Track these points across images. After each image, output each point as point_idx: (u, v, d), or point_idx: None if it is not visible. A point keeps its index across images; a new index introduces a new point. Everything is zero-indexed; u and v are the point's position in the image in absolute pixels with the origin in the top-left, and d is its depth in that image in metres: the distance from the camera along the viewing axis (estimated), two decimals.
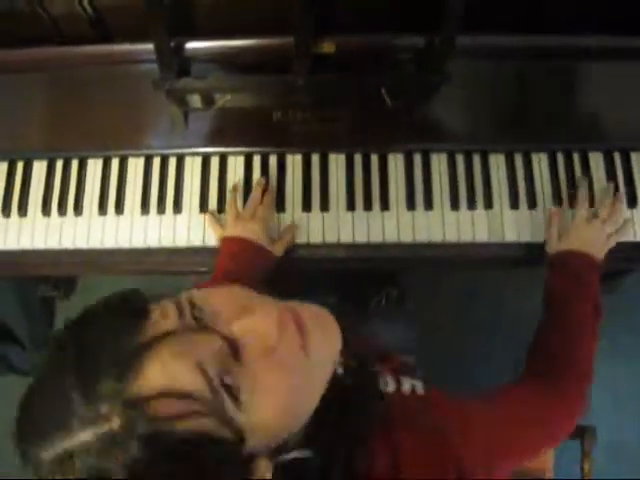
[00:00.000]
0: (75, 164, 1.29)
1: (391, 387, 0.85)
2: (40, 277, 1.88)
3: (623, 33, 1.13)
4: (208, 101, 1.13)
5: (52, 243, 1.25)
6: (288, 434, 0.62)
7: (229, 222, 1.21)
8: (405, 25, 1.06)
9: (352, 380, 0.78)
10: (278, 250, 1.20)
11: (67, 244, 1.25)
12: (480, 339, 2.07)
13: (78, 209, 1.26)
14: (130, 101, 1.23)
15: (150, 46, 1.09)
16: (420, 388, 0.86)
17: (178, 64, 1.08)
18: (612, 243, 1.19)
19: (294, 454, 0.63)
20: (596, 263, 1.15)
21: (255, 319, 0.59)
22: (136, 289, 0.60)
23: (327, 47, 1.07)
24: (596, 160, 1.27)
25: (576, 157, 1.27)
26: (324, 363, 0.65)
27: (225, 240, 1.19)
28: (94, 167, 1.29)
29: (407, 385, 0.87)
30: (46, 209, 1.27)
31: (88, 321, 0.57)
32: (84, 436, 0.50)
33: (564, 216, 1.22)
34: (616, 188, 1.25)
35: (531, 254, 1.24)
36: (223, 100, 1.09)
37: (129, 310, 0.56)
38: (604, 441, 1.47)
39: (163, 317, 0.56)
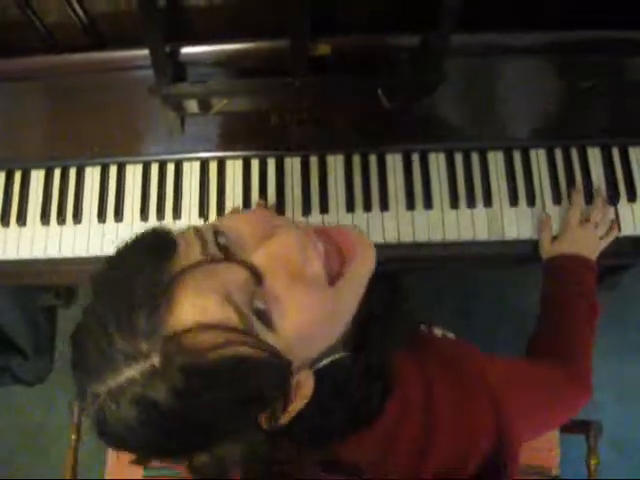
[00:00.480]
0: (73, 172, 1.29)
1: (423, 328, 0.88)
2: (41, 286, 1.88)
3: (622, 27, 1.13)
4: (205, 106, 1.12)
5: (52, 252, 1.25)
6: (327, 345, 0.65)
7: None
8: (400, 25, 1.06)
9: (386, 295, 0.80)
10: None
11: (67, 252, 1.25)
12: (481, 338, 2.07)
13: (77, 217, 1.26)
14: (126, 108, 1.23)
15: (145, 52, 1.08)
16: (452, 335, 0.89)
17: (173, 69, 1.08)
18: (603, 245, 1.21)
19: (330, 358, 0.65)
20: (591, 264, 1.17)
21: (276, 246, 0.60)
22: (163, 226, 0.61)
23: (322, 49, 1.06)
24: (594, 156, 1.27)
25: (574, 153, 1.27)
26: (360, 281, 0.68)
27: None
28: (92, 175, 1.29)
29: (439, 331, 0.89)
30: (45, 218, 1.26)
31: (120, 259, 0.58)
32: (129, 372, 0.52)
33: (556, 219, 1.23)
34: (614, 185, 1.25)
35: (531, 251, 1.24)
36: (220, 105, 1.08)
37: (157, 245, 0.57)
38: (610, 437, 1.47)
39: (187, 248, 0.57)
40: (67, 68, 1.19)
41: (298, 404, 0.62)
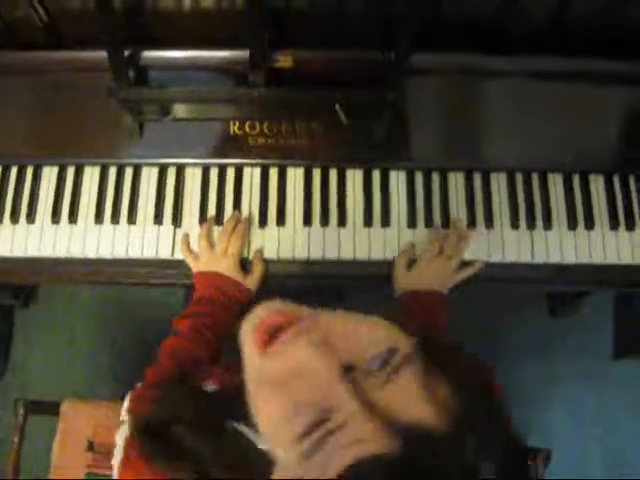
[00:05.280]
0: (30, 171, 1.27)
1: None
2: None
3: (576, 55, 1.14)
4: (164, 111, 1.11)
5: (3, 251, 1.23)
6: None
7: (202, 255, 1.20)
8: (364, 42, 1.06)
9: None
10: (252, 284, 1.19)
11: (18, 252, 1.23)
12: None
13: (31, 216, 1.24)
14: (85, 109, 1.22)
15: (97, 54, 1.09)
16: None
17: (134, 73, 1.07)
18: (459, 278, 1.21)
19: None
20: (440, 297, 1.18)
21: None
22: None
23: (284, 61, 1.06)
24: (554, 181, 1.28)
25: (535, 177, 1.28)
26: None
27: (199, 276, 1.19)
28: (49, 175, 1.27)
29: None
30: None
31: None
32: None
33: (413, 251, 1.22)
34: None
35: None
36: (179, 110, 1.07)
37: None
38: (559, 465, 1.45)
39: None
40: (26, 66, 1.18)
41: None
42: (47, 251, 1.23)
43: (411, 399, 0.52)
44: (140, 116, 1.16)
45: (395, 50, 1.01)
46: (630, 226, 1.25)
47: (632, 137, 1.26)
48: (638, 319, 1.96)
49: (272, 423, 0.55)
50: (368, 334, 0.58)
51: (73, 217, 1.24)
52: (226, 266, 1.18)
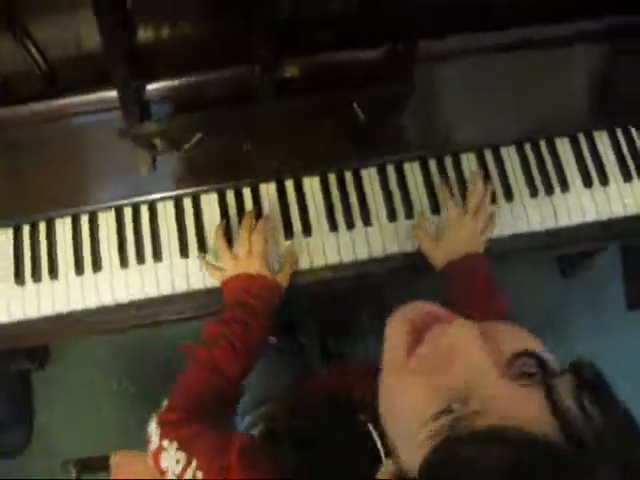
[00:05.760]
0: (43, 227, 1.24)
1: None
2: (9, 351, 1.80)
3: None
4: (177, 141, 1.10)
5: (31, 312, 1.19)
6: None
7: (226, 265, 1.15)
8: (367, 38, 1.06)
9: None
10: (282, 281, 1.15)
11: (46, 310, 1.20)
12: None
13: (53, 272, 1.21)
14: (92, 153, 1.20)
15: (105, 94, 1.08)
16: None
17: (140, 108, 1.05)
18: (489, 234, 1.20)
19: None
20: (478, 258, 1.16)
21: None
22: None
23: (291, 70, 1.05)
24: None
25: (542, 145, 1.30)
26: None
27: (227, 283, 1.13)
28: (63, 227, 1.24)
29: None
30: (19, 279, 1.21)
31: None
32: None
33: (430, 224, 1.23)
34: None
35: None
36: (196, 138, 1.06)
37: None
38: None
39: None
40: (25, 119, 1.14)
41: None
42: (76, 304, 1.20)
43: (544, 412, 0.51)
44: (152, 151, 1.13)
45: (401, 41, 1.01)
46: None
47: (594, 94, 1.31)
48: None
49: (412, 408, 0.57)
50: (528, 338, 0.60)
51: (97, 265, 1.21)
52: (252, 266, 1.12)
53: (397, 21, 1.02)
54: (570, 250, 1.43)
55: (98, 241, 1.23)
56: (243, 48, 1.02)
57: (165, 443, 0.85)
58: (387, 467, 0.60)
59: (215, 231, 1.19)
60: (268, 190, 1.25)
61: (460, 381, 0.55)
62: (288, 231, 1.22)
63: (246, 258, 1.13)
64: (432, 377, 0.57)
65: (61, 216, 1.24)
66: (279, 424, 0.83)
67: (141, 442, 1.84)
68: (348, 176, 1.25)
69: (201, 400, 0.95)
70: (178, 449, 0.83)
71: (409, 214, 1.24)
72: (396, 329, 0.63)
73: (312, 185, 1.25)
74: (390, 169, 1.26)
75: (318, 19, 1.04)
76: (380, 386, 0.64)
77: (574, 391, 0.52)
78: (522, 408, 0.51)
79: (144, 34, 1.02)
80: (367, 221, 1.23)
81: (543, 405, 0.51)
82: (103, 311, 1.21)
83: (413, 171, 1.26)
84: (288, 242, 1.22)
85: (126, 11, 0.91)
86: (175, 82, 1.08)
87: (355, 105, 1.05)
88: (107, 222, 1.24)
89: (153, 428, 0.90)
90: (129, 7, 0.90)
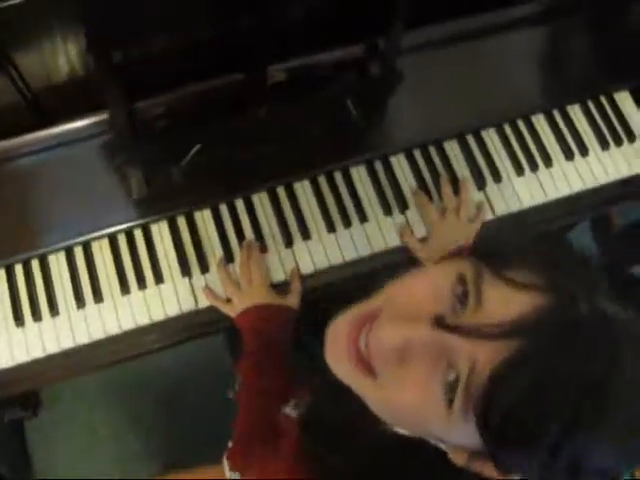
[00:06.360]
0: (36, 264, 1.21)
1: None
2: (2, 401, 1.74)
3: None
4: (172, 158, 1.08)
5: (36, 352, 1.16)
6: None
7: (233, 297, 1.17)
8: (347, 35, 1.07)
9: None
10: (293, 302, 1.17)
11: (52, 348, 1.16)
12: None
13: (54, 309, 1.18)
14: (80, 181, 1.17)
15: (94, 119, 1.06)
16: None
17: (133, 127, 1.04)
18: (478, 223, 1.23)
19: None
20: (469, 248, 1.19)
21: None
22: None
23: (278, 75, 1.05)
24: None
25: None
26: None
27: (240, 318, 1.15)
28: (57, 262, 1.21)
29: None
30: (19, 319, 1.17)
31: None
32: None
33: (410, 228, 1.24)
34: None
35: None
36: (193, 150, 1.04)
37: None
38: None
39: None
40: (11, 152, 1.11)
41: None
42: (82, 338, 1.17)
43: (505, 303, 0.54)
44: (147, 171, 1.11)
45: (385, 33, 1.02)
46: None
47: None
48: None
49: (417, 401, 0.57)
50: (430, 281, 0.61)
51: (98, 297, 1.19)
52: (258, 295, 1.15)
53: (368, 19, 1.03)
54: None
55: (96, 270, 1.20)
56: (228, 58, 1.02)
57: (232, 474, 0.93)
58: (456, 459, 0.60)
59: (217, 264, 1.20)
60: (261, 201, 1.25)
61: (432, 361, 0.56)
62: (287, 238, 1.22)
63: (249, 288, 1.16)
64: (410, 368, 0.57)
65: (54, 252, 1.21)
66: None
67: (147, 473, 1.81)
68: (338, 176, 1.26)
69: (257, 427, 1.00)
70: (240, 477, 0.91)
71: (403, 206, 1.25)
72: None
73: (304, 189, 1.25)
74: (378, 164, 1.27)
75: (298, 22, 1.05)
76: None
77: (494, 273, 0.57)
78: None
79: (132, 51, 1.01)
80: (363, 217, 1.24)
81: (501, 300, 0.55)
82: (108, 342, 1.19)
83: (400, 163, 1.28)
84: (289, 250, 1.22)
85: (114, 31, 0.89)
86: (164, 98, 1.07)
87: (348, 102, 1.05)
88: (102, 250, 1.22)
89: (224, 464, 0.96)
90: (117, 27, 0.89)
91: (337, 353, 0.64)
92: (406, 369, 0.57)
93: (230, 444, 0.99)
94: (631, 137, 1.32)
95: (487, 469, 0.57)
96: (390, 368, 0.58)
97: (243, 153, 1.14)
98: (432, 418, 0.56)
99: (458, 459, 0.59)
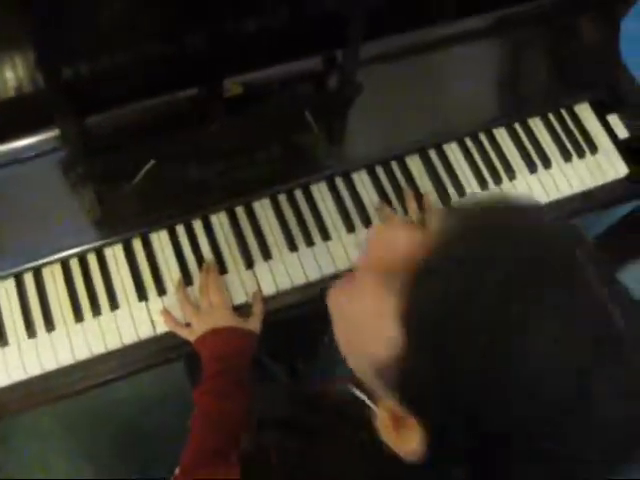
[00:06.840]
0: None
1: None
2: None
3: None
4: (125, 176, 1.04)
5: None
6: None
7: (192, 320, 1.12)
8: (307, 47, 1.04)
9: None
10: (254, 326, 1.13)
11: (1, 381, 1.10)
12: None
13: (2, 339, 1.11)
14: (30, 203, 1.11)
15: (40, 137, 1.02)
16: None
17: (84, 145, 0.99)
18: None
19: None
20: None
21: None
22: None
23: (234, 89, 1.02)
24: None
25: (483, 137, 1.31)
26: None
27: (199, 342, 1.10)
28: (5, 289, 1.15)
29: None
30: None
31: None
32: None
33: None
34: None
35: None
36: (146, 167, 1.00)
37: None
38: None
39: None
40: None
41: None
42: (34, 369, 1.11)
43: None
44: (100, 188, 1.06)
45: (343, 45, 1.00)
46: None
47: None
48: None
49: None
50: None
51: (50, 325, 1.13)
52: (219, 318, 1.10)
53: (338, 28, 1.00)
54: None
55: (47, 297, 1.15)
56: (183, 71, 0.99)
57: None
58: (380, 413, 0.58)
59: (175, 287, 1.16)
60: (220, 220, 1.21)
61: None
62: (247, 258, 1.18)
63: (209, 310, 1.12)
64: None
65: (2, 278, 1.15)
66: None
67: None
68: (298, 194, 1.23)
69: (210, 449, 0.95)
70: None
71: (366, 221, 1.22)
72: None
73: (263, 208, 1.22)
74: (339, 181, 1.24)
75: (255, 34, 1.02)
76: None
77: None
78: None
79: (82, 67, 0.97)
80: (326, 236, 1.21)
81: None
82: (60, 374, 1.13)
83: (362, 179, 1.25)
84: (249, 271, 1.18)
85: (63, 46, 0.85)
86: (116, 113, 1.02)
87: (307, 116, 1.02)
88: (54, 277, 1.16)
89: None
90: (66, 42, 0.85)
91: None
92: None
93: (177, 471, 0.94)
94: (593, 149, 1.32)
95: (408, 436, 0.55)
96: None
97: (199, 170, 1.10)
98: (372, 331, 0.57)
99: (383, 425, 0.58)
